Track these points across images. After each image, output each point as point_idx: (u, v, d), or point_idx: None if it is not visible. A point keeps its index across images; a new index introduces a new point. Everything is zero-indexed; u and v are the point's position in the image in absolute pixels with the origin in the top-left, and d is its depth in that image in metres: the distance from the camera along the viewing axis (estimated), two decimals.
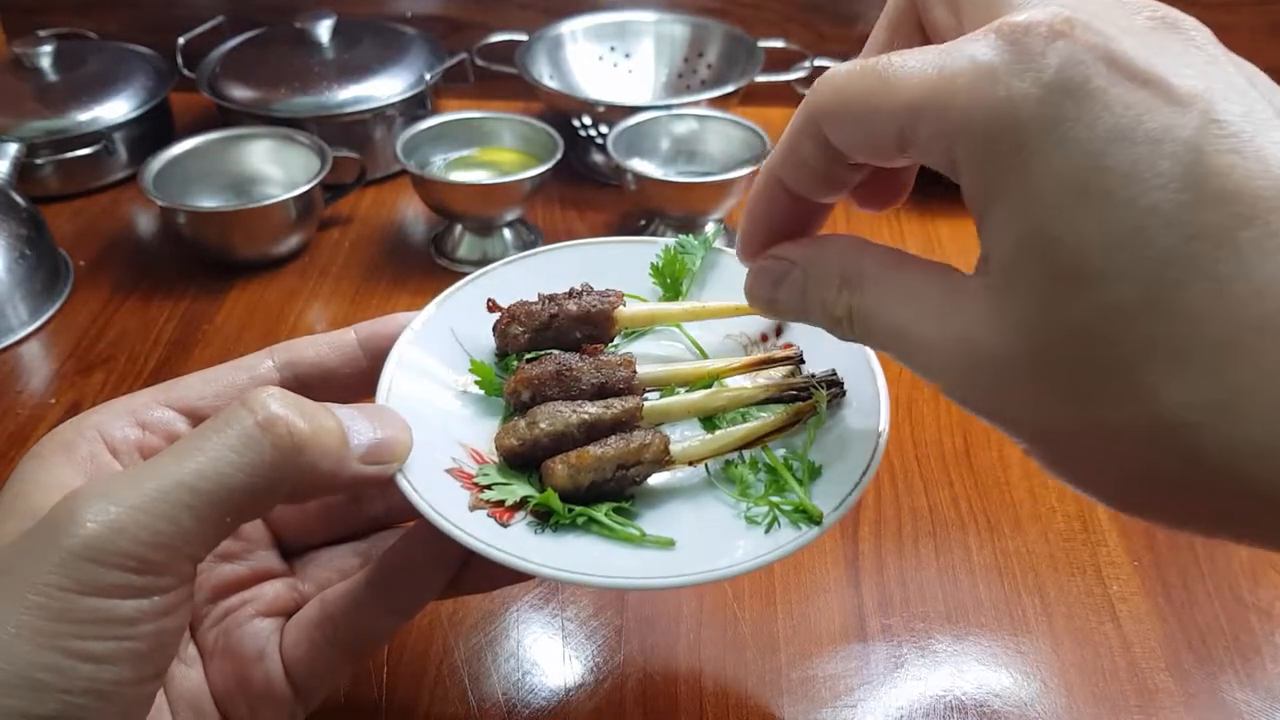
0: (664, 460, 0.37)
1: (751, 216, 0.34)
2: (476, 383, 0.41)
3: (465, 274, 0.44)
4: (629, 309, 0.42)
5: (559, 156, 0.71)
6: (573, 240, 0.46)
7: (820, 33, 0.94)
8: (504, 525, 0.36)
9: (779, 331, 0.44)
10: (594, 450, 0.37)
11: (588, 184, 0.84)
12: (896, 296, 0.28)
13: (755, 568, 0.34)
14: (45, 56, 0.83)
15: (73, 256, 0.75)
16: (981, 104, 0.24)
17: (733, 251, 0.40)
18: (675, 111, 0.77)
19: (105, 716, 0.28)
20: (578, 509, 0.37)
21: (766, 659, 0.45)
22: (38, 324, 0.68)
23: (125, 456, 0.34)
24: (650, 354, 0.44)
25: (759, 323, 0.44)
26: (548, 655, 0.46)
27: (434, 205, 0.73)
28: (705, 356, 0.43)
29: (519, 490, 0.37)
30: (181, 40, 0.86)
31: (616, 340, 0.43)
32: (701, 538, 0.36)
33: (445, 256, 0.74)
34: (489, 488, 0.37)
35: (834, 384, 0.40)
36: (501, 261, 0.45)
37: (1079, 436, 0.24)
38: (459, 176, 0.74)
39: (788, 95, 0.89)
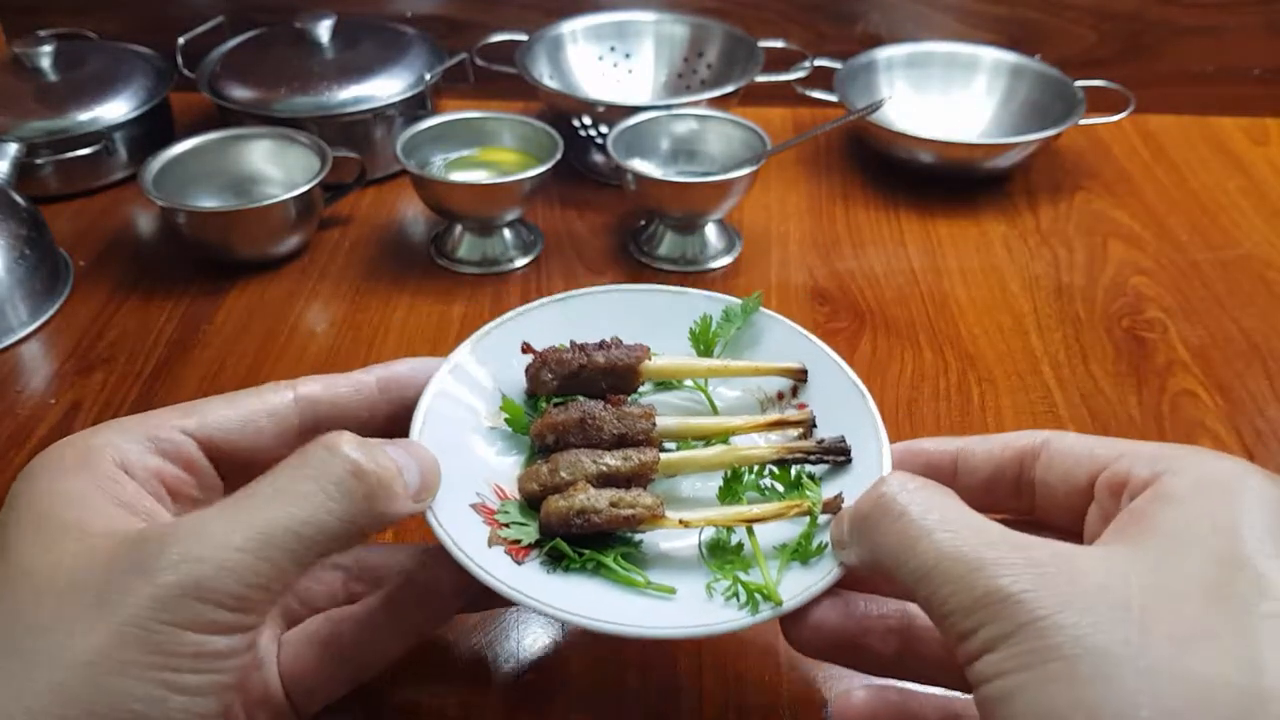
0: (653, 519, 0.39)
1: None
2: (506, 420, 0.44)
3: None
4: (654, 363, 0.45)
5: (559, 157, 0.71)
6: (608, 286, 0.49)
7: (820, 32, 0.94)
8: (519, 563, 0.38)
9: (795, 391, 0.46)
10: (582, 500, 0.39)
11: (588, 184, 0.84)
12: None
13: (734, 630, 0.36)
14: (45, 56, 0.83)
15: (73, 256, 0.75)
16: None
17: (760, 311, 0.47)
18: (675, 111, 0.77)
19: None
20: (588, 553, 0.39)
21: (768, 658, 0.45)
22: (37, 324, 0.68)
23: (144, 483, 0.34)
24: (671, 404, 0.47)
25: (777, 381, 0.47)
26: (548, 655, 0.46)
27: (434, 205, 0.73)
28: (717, 413, 0.46)
29: (535, 532, 0.40)
30: (181, 40, 0.86)
31: (641, 388, 0.46)
32: (700, 589, 0.38)
33: (445, 256, 0.74)
34: (508, 525, 0.40)
35: (840, 451, 0.42)
36: (539, 302, 0.47)
37: None
38: (459, 176, 0.74)
39: (788, 95, 0.89)
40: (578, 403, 0.43)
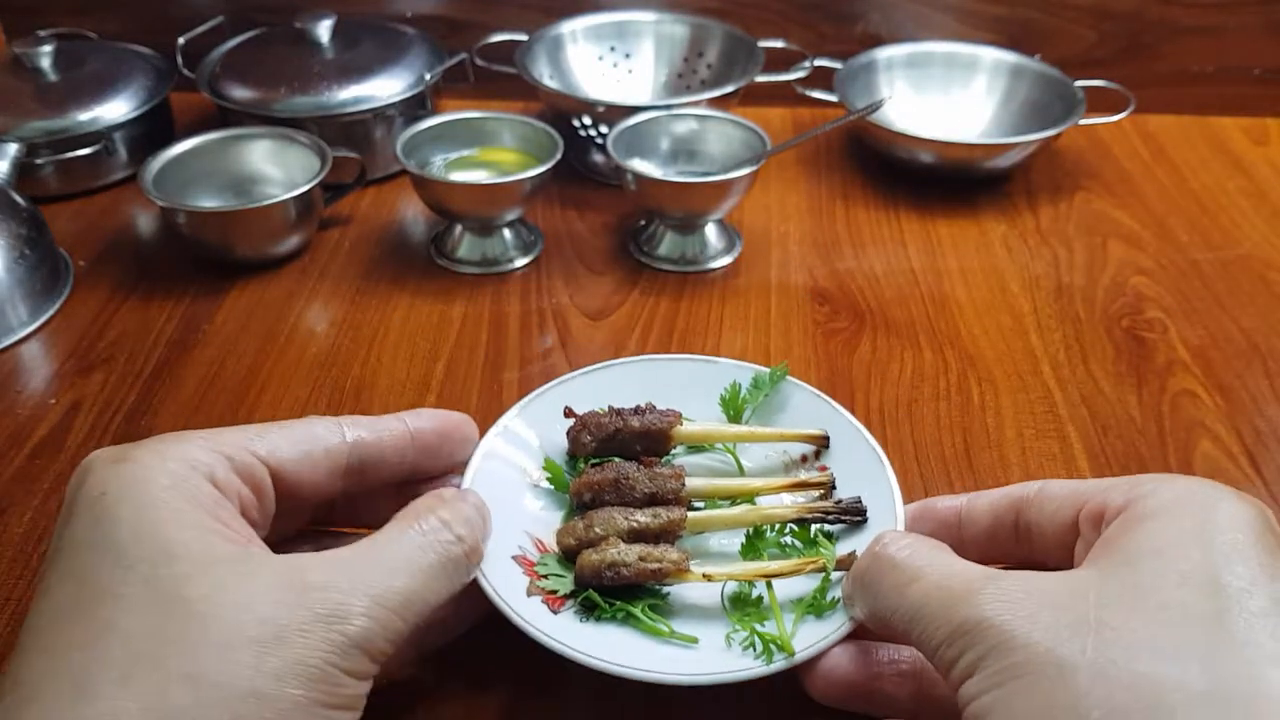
0: (678, 573, 0.43)
1: None
2: (548, 479, 0.48)
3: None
4: (685, 428, 0.49)
5: (559, 157, 0.71)
6: (644, 356, 0.55)
7: (820, 32, 0.94)
8: (555, 612, 0.42)
9: (818, 454, 0.50)
10: (613, 554, 0.43)
11: (588, 184, 0.84)
12: None
13: (749, 678, 0.39)
14: (45, 56, 0.83)
15: (73, 256, 0.75)
16: None
17: (787, 379, 0.52)
18: (675, 111, 0.77)
19: None
20: (618, 604, 0.42)
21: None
22: (38, 324, 0.68)
23: (232, 505, 0.35)
24: (702, 465, 0.51)
25: (801, 445, 0.50)
26: (548, 655, 0.46)
27: (434, 205, 0.73)
28: (744, 474, 0.50)
29: (570, 583, 0.43)
30: (181, 40, 0.86)
31: (674, 450, 0.50)
32: (720, 639, 0.41)
33: (445, 257, 0.74)
34: (546, 577, 0.43)
35: (857, 511, 0.45)
36: (582, 371, 0.52)
37: None
38: (459, 176, 0.74)
39: (788, 95, 0.89)
40: (613, 464, 0.47)
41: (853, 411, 0.60)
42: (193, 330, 0.67)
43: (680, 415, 0.49)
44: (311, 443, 0.39)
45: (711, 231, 0.74)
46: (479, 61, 0.87)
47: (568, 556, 0.44)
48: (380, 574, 0.34)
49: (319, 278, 0.73)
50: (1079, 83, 0.85)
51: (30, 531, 0.53)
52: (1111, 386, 0.63)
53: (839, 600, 0.41)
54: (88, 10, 0.96)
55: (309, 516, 0.43)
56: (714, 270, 0.73)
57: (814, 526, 0.45)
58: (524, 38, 0.88)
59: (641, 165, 0.75)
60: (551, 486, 0.48)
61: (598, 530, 0.44)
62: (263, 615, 0.31)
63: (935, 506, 0.43)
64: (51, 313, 0.69)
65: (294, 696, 0.30)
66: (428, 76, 0.84)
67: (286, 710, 0.30)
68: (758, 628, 0.41)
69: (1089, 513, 0.36)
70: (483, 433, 0.48)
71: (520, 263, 0.74)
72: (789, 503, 0.47)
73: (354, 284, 0.72)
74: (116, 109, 0.82)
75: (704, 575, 0.42)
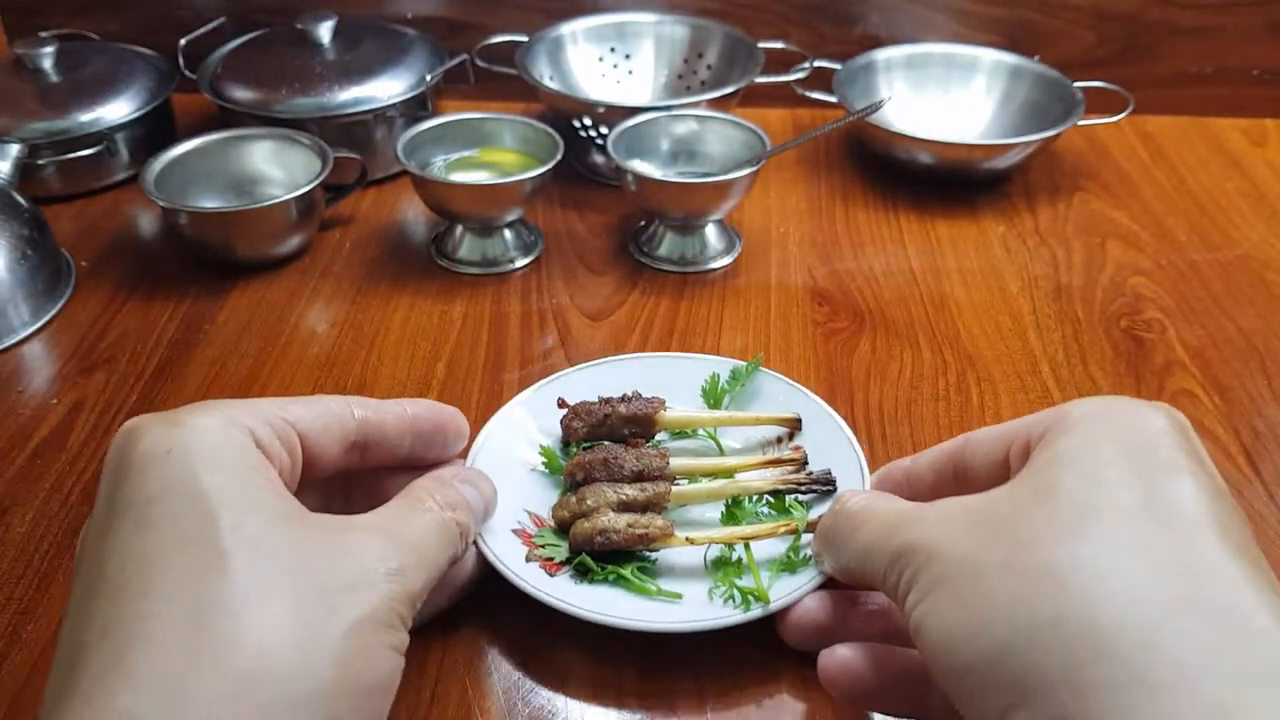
0: (664, 538, 0.46)
1: None
2: (543, 463, 0.53)
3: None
4: (669, 414, 0.53)
5: (559, 157, 0.71)
6: (632, 354, 0.60)
7: (820, 34, 0.95)
8: (551, 575, 0.46)
9: (792, 436, 0.54)
10: (603, 521, 0.47)
11: (588, 185, 0.84)
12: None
13: (729, 625, 0.44)
14: (47, 57, 0.83)
15: (74, 257, 0.75)
16: None
17: (763, 371, 0.57)
18: (675, 112, 0.77)
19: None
20: (609, 567, 0.46)
21: (768, 656, 0.45)
22: (39, 324, 0.68)
23: (274, 468, 0.37)
24: (686, 449, 0.55)
25: (776, 428, 0.55)
26: (548, 655, 0.46)
27: (434, 206, 0.73)
28: (723, 454, 0.54)
29: (565, 551, 0.47)
30: (183, 41, 0.86)
31: (659, 437, 0.54)
32: (703, 595, 0.46)
33: (446, 257, 0.74)
34: (543, 546, 0.48)
35: (827, 482, 0.50)
36: (575, 368, 0.58)
37: None
38: (459, 177, 0.75)
39: (788, 96, 0.89)
40: (603, 446, 0.52)
41: (852, 411, 0.60)
42: (194, 330, 0.68)
43: (664, 402, 0.53)
44: (328, 416, 0.41)
45: (711, 232, 0.75)
46: (479, 62, 0.87)
47: (562, 529, 0.48)
48: (412, 535, 0.38)
49: (320, 278, 0.73)
50: (1078, 84, 0.85)
51: (32, 531, 0.53)
52: (1110, 386, 0.63)
53: (809, 558, 0.45)
54: (89, 11, 0.96)
55: (320, 493, 0.44)
56: (714, 270, 0.74)
57: (788, 497, 0.50)
58: (524, 39, 0.88)
59: (641, 166, 0.75)
60: (547, 471, 0.52)
61: (589, 503, 0.48)
62: (343, 566, 0.34)
63: (889, 471, 0.46)
64: (53, 313, 0.69)
65: (385, 638, 0.34)
66: (428, 77, 0.84)
67: (374, 649, 0.33)
68: (737, 582, 0.45)
69: (1018, 449, 0.38)
70: (481, 427, 0.52)
71: (521, 263, 0.74)
72: (764, 478, 0.51)
73: (355, 284, 0.73)
74: (118, 110, 0.82)
75: (687, 539, 0.47)
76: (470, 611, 0.48)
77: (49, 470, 0.57)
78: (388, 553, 0.36)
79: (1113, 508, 0.32)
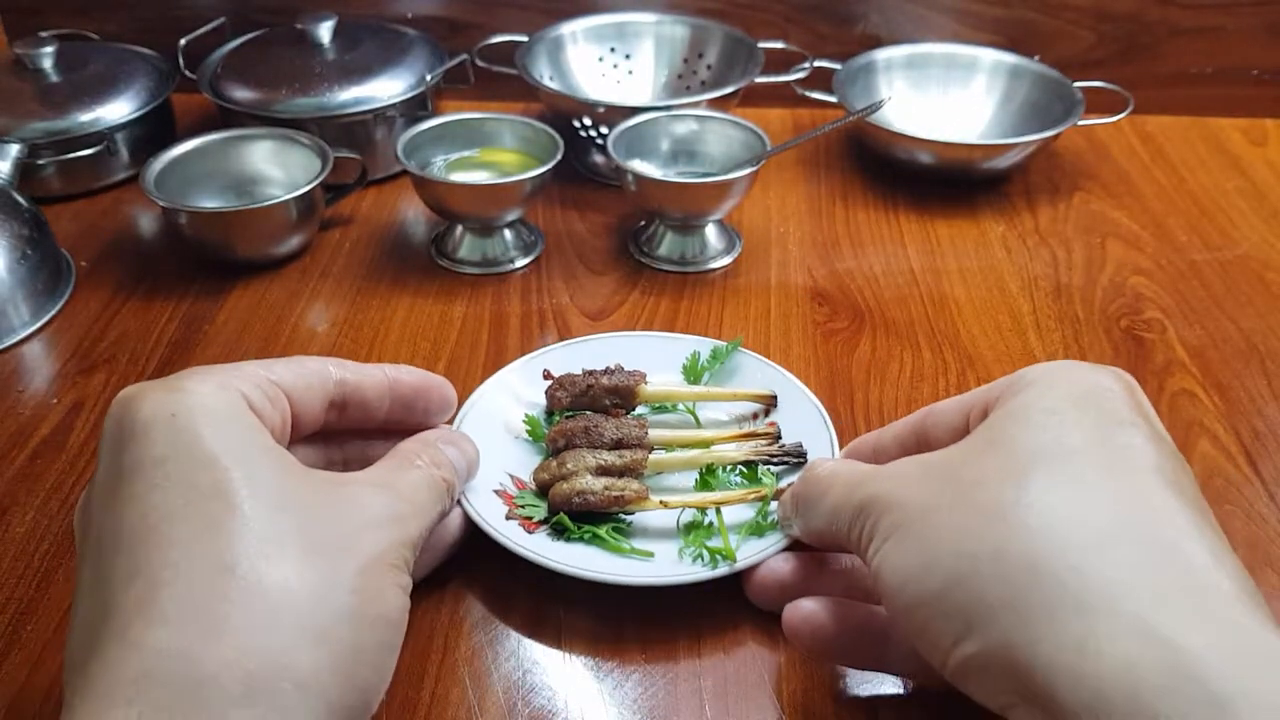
0: (638, 500, 0.49)
1: None
2: (527, 431, 0.55)
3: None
4: (650, 387, 0.56)
5: (559, 157, 0.71)
6: (617, 332, 0.63)
7: (820, 34, 0.95)
8: (530, 533, 0.48)
9: (768, 412, 0.56)
10: (581, 483, 0.49)
11: (588, 185, 0.84)
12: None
13: (697, 580, 0.46)
14: (47, 57, 0.83)
15: (74, 257, 0.75)
16: None
17: (741, 351, 0.59)
18: (675, 112, 0.77)
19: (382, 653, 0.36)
20: (585, 526, 0.48)
21: (767, 655, 0.45)
22: (39, 324, 0.68)
23: (268, 430, 0.38)
24: (666, 422, 0.57)
25: (752, 404, 0.57)
26: (548, 655, 0.46)
27: (434, 206, 0.73)
28: (701, 427, 0.56)
29: (544, 511, 0.49)
30: (183, 41, 0.86)
31: (639, 410, 0.56)
32: (675, 554, 0.48)
33: (446, 257, 0.74)
34: (523, 506, 0.50)
35: (798, 454, 0.52)
36: (561, 344, 0.60)
37: None
38: (459, 177, 0.75)
39: (788, 96, 0.89)
40: (585, 415, 0.53)
41: (852, 411, 0.60)
42: (194, 330, 0.68)
43: (645, 375, 0.55)
44: (309, 375, 0.42)
45: (711, 232, 0.75)
46: (479, 62, 0.87)
47: (542, 490, 0.50)
48: (405, 488, 0.41)
49: (320, 278, 0.73)
50: (1078, 83, 0.85)
51: (32, 531, 0.53)
52: None
53: (776, 523, 0.48)
54: (89, 11, 0.96)
55: (308, 458, 0.45)
56: (714, 270, 0.74)
57: (761, 467, 0.52)
58: (524, 39, 0.88)
59: (641, 166, 0.75)
60: (531, 438, 0.54)
61: (569, 466, 0.50)
62: (349, 513, 0.36)
63: (857, 445, 0.48)
64: (53, 313, 0.69)
65: (393, 577, 0.36)
66: (428, 77, 0.84)
67: (386, 586, 0.36)
68: (706, 543, 0.47)
69: (976, 414, 0.39)
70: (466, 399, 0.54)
71: (521, 263, 0.74)
72: (740, 449, 0.53)
73: (355, 284, 0.73)
74: (118, 110, 0.82)
75: (661, 502, 0.49)
76: (470, 611, 0.48)
77: (49, 470, 0.57)
78: (388, 501, 0.38)
79: (1059, 451, 0.33)
